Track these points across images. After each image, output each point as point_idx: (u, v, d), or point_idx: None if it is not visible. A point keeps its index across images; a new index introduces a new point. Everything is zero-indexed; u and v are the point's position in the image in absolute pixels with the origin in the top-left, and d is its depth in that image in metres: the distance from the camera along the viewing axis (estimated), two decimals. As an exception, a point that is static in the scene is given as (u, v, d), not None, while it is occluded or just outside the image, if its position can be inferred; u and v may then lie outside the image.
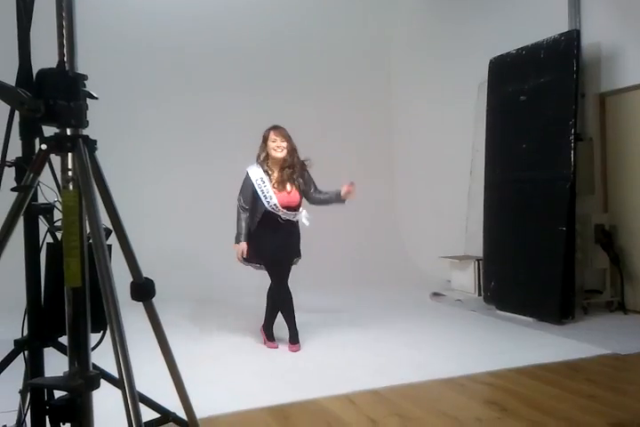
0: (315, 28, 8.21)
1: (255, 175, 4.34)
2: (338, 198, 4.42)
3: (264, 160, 4.38)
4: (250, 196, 4.34)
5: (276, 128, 4.36)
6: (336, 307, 5.99)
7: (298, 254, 4.54)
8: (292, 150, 4.37)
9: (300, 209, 4.44)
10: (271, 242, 4.34)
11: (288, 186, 4.35)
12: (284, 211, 4.33)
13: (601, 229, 5.46)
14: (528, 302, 5.30)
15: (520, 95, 5.74)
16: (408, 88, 8.47)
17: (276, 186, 4.33)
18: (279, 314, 4.55)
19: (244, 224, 4.34)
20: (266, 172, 4.36)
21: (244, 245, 4.30)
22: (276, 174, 4.36)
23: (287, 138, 4.33)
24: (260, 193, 4.30)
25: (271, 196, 4.30)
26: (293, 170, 4.37)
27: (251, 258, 4.41)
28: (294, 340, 4.45)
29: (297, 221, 4.45)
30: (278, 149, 4.30)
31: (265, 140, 4.37)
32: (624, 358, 3.97)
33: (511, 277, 5.56)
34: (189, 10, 7.60)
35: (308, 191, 4.44)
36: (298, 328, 4.47)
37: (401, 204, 8.59)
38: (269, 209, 4.29)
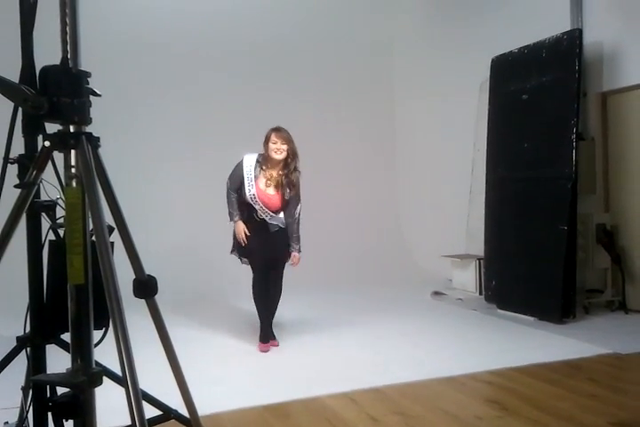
0: (317, 28, 8.20)
1: (248, 162, 4.34)
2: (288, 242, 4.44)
3: (264, 160, 4.36)
4: (237, 182, 4.35)
5: (277, 130, 4.33)
6: (337, 305, 5.99)
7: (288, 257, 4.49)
8: (293, 154, 4.34)
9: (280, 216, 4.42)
10: (261, 250, 4.35)
11: (272, 190, 4.34)
12: (261, 206, 4.31)
13: (602, 229, 5.45)
14: (529, 302, 5.30)
15: (522, 94, 5.73)
16: (410, 86, 8.46)
17: (263, 182, 4.34)
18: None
19: (235, 202, 4.35)
20: (261, 167, 4.35)
21: (241, 224, 4.32)
22: (269, 173, 4.35)
23: (287, 141, 4.29)
24: (245, 179, 4.30)
25: (253, 185, 4.30)
26: (286, 177, 4.34)
27: (243, 254, 4.43)
28: (266, 339, 4.44)
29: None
30: (278, 151, 4.28)
31: (266, 140, 4.34)
32: (625, 357, 3.97)
33: (512, 276, 5.56)
34: (193, 7, 7.61)
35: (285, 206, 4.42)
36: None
37: (402, 202, 8.59)
38: (248, 198, 4.29)
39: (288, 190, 4.36)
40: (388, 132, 8.71)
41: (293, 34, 8.00)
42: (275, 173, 4.35)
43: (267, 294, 4.46)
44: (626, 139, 5.56)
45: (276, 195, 4.35)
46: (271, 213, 4.35)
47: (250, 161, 4.35)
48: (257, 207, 4.33)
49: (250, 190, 4.29)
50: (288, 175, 4.34)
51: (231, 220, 4.37)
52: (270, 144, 4.30)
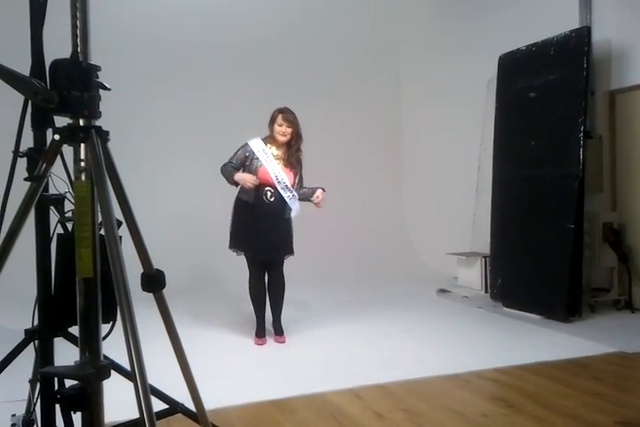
0: (325, 26, 8.19)
1: (257, 146, 4.33)
2: (309, 197, 4.43)
3: (267, 138, 4.39)
4: (239, 158, 4.35)
5: (284, 111, 4.35)
6: (343, 302, 5.99)
7: (290, 252, 4.49)
8: (297, 136, 4.37)
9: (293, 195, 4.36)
10: (260, 239, 4.32)
11: (282, 165, 4.35)
12: (285, 184, 4.28)
13: (609, 228, 5.44)
14: (535, 300, 5.29)
15: (529, 92, 5.71)
16: (417, 84, 8.45)
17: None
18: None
19: (231, 168, 4.32)
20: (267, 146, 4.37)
21: (244, 174, 4.27)
22: (275, 151, 4.37)
23: (293, 123, 4.32)
24: (263, 160, 4.28)
25: (275, 164, 4.30)
26: (289, 157, 4.37)
27: (240, 246, 4.41)
28: (280, 331, 4.52)
29: (288, 218, 4.41)
30: (283, 134, 4.32)
31: (272, 121, 4.36)
32: (631, 356, 3.97)
33: (518, 274, 5.55)
34: (202, 2, 7.62)
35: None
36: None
37: (408, 200, 8.58)
38: (272, 177, 4.25)
39: (295, 169, 4.39)
40: (394, 130, 8.70)
41: (299, 32, 7.99)
42: (279, 153, 4.38)
43: (263, 292, 4.49)
44: (633, 137, 5.54)
45: (287, 170, 4.35)
46: (292, 191, 4.32)
47: (258, 145, 4.34)
48: (280, 186, 4.28)
49: (273, 169, 4.27)
50: (290, 156, 4.38)
51: (232, 179, 4.28)
52: (276, 126, 4.33)
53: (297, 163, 4.42)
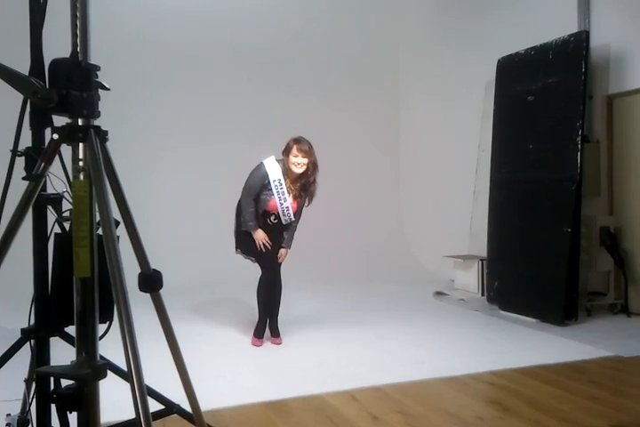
0: (323, 27, 8.22)
1: (274, 174, 4.28)
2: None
3: (281, 162, 4.33)
4: (256, 191, 4.30)
5: (299, 142, 4.27)
6: (340, 304, 5.99)
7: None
8: (313, 166, 4.33)
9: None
10: (273, 252, 4.40)
11: (291, 198, 4.35)
12: (289, 217, 4.35)
13: (606, 232, 5.44)
14: (531, 303, 5.29)
15: (528, 95, 5.72)
16: (415, 87, 8.46)
17: None
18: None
19: (253, 213, 4.29)
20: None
21: (262, 232, 4.30)
22: (288, 184, 4.34)
23: (309, 154, 4.25)
24: (275, 193, 4.27)
25: (286, 198, 4.29)
26: (304, 188, 4.36)
27: (250, 253, 4.46)
28: (277, 333, 4.52)
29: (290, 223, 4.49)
30: (298, 165, 4.24)
31: (287, 151, 4.29)
32: (626, 360, 3.97)
33: (515, 277, 5.56)
34: (202, 3, 7.64)
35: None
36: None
37: (406, 202, 8.59)
38: (280, 210, 4.30)
39: (306, 201, 4.42)
40: (393, 132, 8.72)
41: (298, 33, 8.02)
42: (293, 186, 4.35)
43: (273, 292, 4.50)
44: (631, 142, 5.54)
45: (294, 203, 4.37)
46: (292, 219, 4.42)
47: (275, 172, 4.28)
48: (284, 219, 4.35)
49: (282, 204, 4.29)
50: (307, 186, 4.35)
51: (250, 230, 4.32)
52: (291, 157, 4.25)
53: (308, 196, 4.40)
